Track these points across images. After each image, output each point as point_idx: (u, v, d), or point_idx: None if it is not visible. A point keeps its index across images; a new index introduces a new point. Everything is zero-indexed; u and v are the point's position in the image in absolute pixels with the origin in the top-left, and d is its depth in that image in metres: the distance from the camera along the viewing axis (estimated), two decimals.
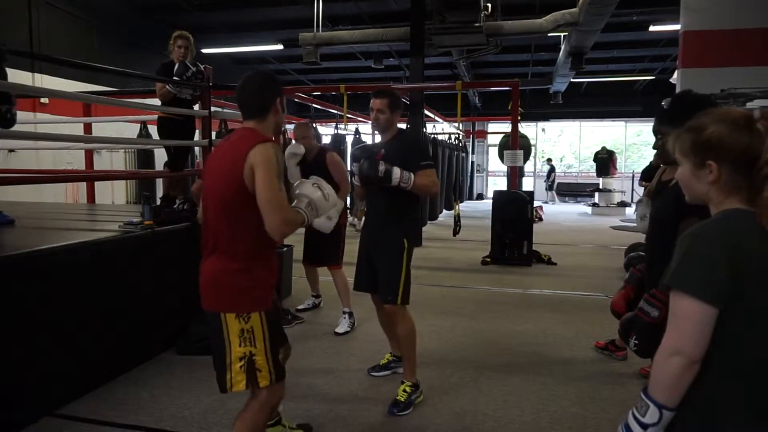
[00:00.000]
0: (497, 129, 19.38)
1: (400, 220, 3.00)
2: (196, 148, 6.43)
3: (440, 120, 12.25)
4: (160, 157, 5.90)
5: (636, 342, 1.84)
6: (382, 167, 2.80)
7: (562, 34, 10.65)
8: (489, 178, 21.17)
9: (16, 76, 7.53)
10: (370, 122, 3.09)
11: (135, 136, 7.64)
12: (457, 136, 12.46)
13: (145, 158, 8.92)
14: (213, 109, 5.07)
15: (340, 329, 4.19)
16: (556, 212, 14.68)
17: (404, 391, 2.95)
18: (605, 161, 15.74)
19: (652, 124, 2.30)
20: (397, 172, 2.81)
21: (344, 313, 4.30)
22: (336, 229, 2.92)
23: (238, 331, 1.89)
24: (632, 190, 15.39)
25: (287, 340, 2.38)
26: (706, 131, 1.22)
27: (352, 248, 4.94)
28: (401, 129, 3.10)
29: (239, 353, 1.89)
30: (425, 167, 2.91)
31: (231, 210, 1.90)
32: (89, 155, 7.66)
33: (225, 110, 7.63)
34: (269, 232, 1.87)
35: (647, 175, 7.36)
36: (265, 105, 2.00)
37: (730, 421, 1.16)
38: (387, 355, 3.47)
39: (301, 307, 4.74)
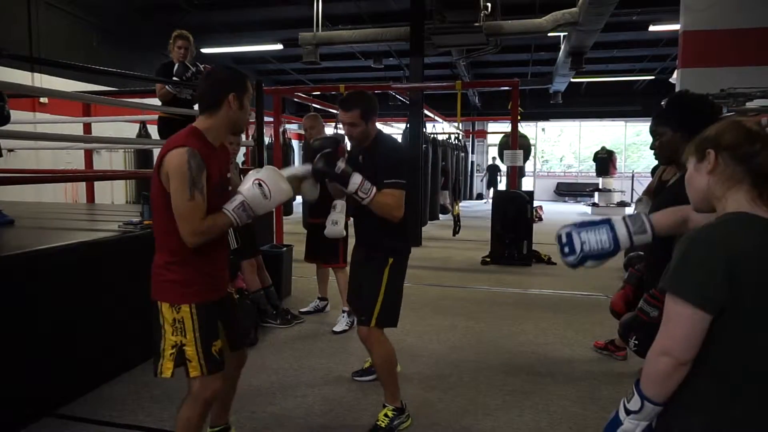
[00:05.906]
0: (497, 129, 19.37)
1: (384, 232, 2.57)
2: None
3: (440, 120, 12.23)
4: None
5: (636, 342, 1.85)
6: (341, 164, 2.38)
7: (562, 34, 10.64)
8: None
9: (16, 75, 7.54)
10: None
11: (134, 136, 7.64)
12: (456, 136, 12.45)
13: (144, 158, 8.93)
14: None
15: (337, 328, 4.20)
16: (556, 212, 14.67)
17: (385, 415, 2.62)
18: (605, 161, 15.73)
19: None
20: (357, 178, 2.37)
21: (344, 311, 4.29)
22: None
23: (171, 320, 1.97)
24: (632, 189, 15.39)
25: (240, 347, 2.27)
26: (711, 131, 1.27)
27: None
28: (379, 134, 2.63)
29: (171, 341, 1.97)
30: (392, 186, 2.45)
31: (159, 209, 1.96)
32: (89, 155, 7.65)
33: None
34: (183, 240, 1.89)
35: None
36: (217, 99, 1.96)
37: (752, 424, 1.16)
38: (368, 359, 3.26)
39: (303, 309, 4.68)
